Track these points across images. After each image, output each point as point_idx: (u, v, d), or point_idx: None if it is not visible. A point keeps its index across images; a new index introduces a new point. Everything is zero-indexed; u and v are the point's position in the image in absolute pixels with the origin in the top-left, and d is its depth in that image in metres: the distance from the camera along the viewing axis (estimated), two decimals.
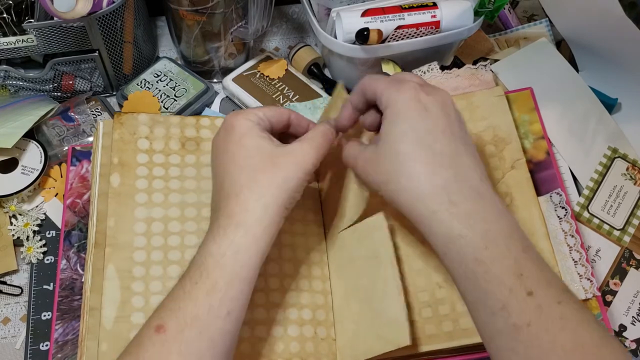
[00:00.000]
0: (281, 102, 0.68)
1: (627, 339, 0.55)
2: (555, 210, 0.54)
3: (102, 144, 0.52)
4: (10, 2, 0.63)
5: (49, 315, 0.55)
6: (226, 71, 0.71)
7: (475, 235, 0.38)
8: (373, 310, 0.47)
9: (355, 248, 0.50)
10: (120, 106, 0.67)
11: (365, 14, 0.62)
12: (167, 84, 0.68)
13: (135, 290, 0.47)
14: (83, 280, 0.49)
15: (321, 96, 0.68)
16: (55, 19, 0.59)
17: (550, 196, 0.54)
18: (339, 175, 0.54)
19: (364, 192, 0.50)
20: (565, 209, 0.54)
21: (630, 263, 0.57)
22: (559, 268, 0.51)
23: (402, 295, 0.45)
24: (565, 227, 0.53)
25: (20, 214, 0.59)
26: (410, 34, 0.63)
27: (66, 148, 0.62)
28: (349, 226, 0.51)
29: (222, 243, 0.41)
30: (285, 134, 0.49)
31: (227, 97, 0.71)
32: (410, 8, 0.63)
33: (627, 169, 0.61)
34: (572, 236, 0.53)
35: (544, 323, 0.36)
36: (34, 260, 0.58)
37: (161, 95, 0.67)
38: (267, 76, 0.70)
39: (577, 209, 0.59)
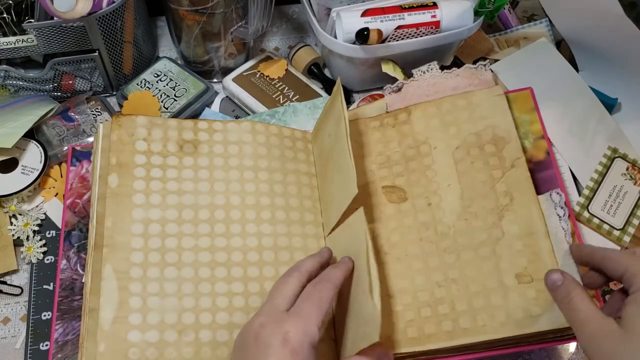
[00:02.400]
0: (281, 102, 0.68)
1: None
2: (555, 209, 0.54)
3: (101, 146, 0.52)
4: (10, 2, 0.63)
5: (49, 315, 0.55)
6: (226, 71, 0.71)
7: None
8: (358, 305, 0.46)
9: (344, 245, 0.50)
10: (120, 106, 0.67)
11: (365, 14, 0.63)
12: (167, 84, 0.68)
13: (132, 291, 0.47)
14: (84, 281, 0.49)
15: (321, 96, 0.68)
16: (55, 19, 0.59)
17: (550, 195, 0.54)
18: (339, 173, 0.54)
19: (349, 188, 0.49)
20: (564, 209, 0.53)
21: None
22: (559, 267, 0.51)
23: (373, 292, 0.43)
24: (565, 225, 0.53)
25: (20, 214, 0.59)
26: (410, 34, 0.63)
27: (66, 148, 0.62)
28: (340, 223, 0.51)
29: None
30: None
31: (227, 97, 0.71)
32: (410, 8, 0.63)
33: (627, 168, 0.61)
34: (573, 234, 0.52)
35: None
36: (34, 260, 0.58)
37: (161, 95, 0.67)
38: (267, 76, 0.70)
39: (577, 208, 0.59)
